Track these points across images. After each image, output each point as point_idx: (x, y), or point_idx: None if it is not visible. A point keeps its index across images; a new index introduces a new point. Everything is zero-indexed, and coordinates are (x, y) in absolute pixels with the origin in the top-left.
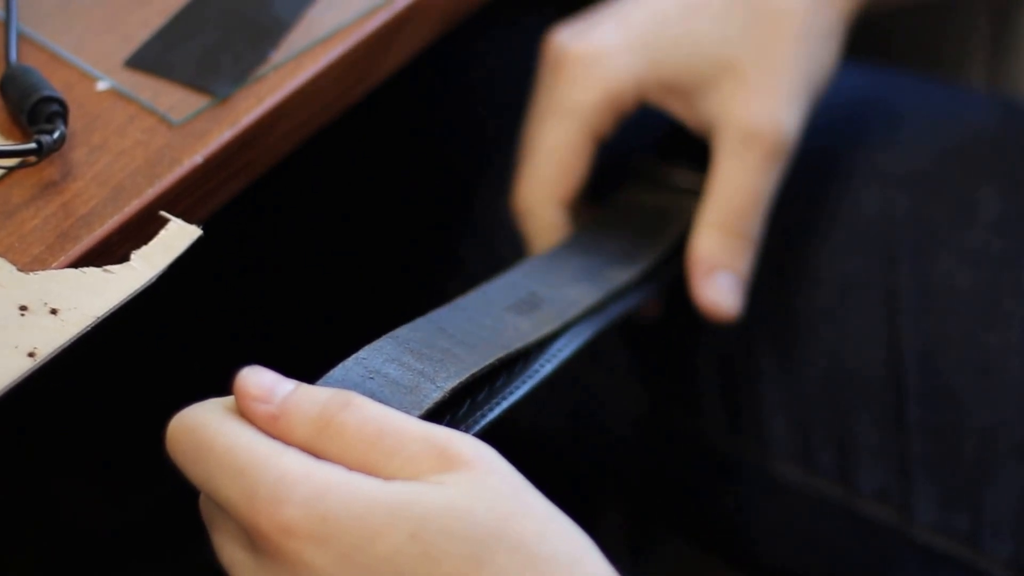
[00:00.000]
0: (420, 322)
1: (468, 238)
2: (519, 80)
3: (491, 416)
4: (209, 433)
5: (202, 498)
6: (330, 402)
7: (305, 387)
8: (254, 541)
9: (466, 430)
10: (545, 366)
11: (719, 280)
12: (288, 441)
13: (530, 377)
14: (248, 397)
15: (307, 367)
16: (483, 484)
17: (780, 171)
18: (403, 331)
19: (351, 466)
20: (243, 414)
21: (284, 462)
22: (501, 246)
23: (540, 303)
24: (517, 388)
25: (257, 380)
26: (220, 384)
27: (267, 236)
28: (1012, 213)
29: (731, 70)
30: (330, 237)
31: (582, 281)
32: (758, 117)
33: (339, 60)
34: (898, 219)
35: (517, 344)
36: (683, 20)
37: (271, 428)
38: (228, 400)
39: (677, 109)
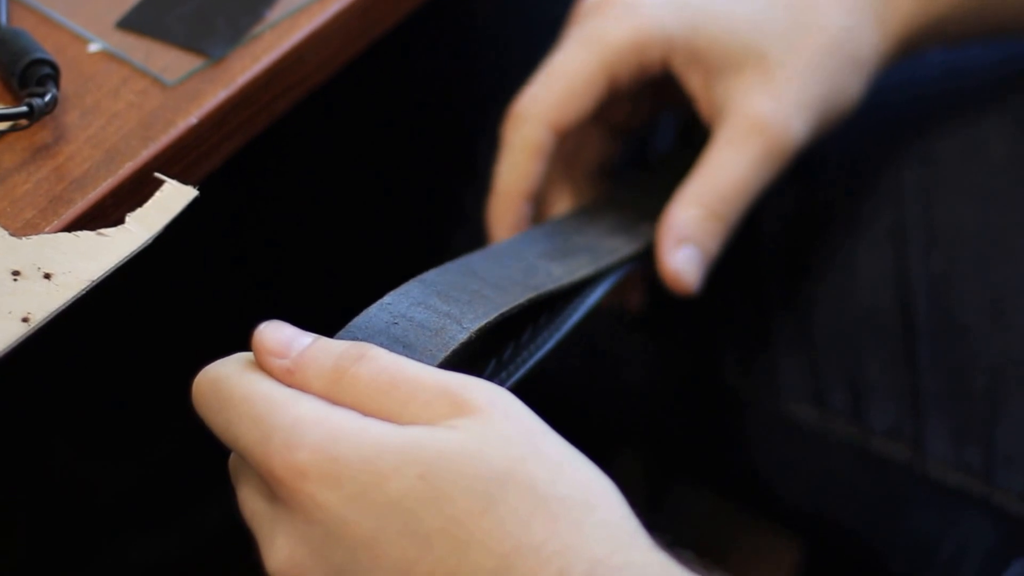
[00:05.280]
0: (450, 265)
1: (471, 195)
2: (519, 35)
3: (528, 365)
4: (230, 384)
5: (232, 458)
6: (344, 355)
7: (321, 341)
8: (271, 487)
9: (503, 381)
10: (576, 312)
11: (686, 251)
12: (307, 392)
13: (563, 323)
14: (264, 352)
15: (314, 322)
16: (495, 428)
17: (773, 171)
18: (431, 274)
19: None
20: (261, 368)
21: (299, 408)
22: None
23: (575, 251)
24: (550, 335)
25: (273, 335)
26: (220, 346)
27: (264, 196)
28: (1019, 153)
29: (759, 62)
30: (328, 196)
31: (619, 234)
32: (771, 113)
33: (335, 18)
34: (904, 158)
35: (549, 286)
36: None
37: (288, 382)
38: (250, 354)
39: (694, 84)
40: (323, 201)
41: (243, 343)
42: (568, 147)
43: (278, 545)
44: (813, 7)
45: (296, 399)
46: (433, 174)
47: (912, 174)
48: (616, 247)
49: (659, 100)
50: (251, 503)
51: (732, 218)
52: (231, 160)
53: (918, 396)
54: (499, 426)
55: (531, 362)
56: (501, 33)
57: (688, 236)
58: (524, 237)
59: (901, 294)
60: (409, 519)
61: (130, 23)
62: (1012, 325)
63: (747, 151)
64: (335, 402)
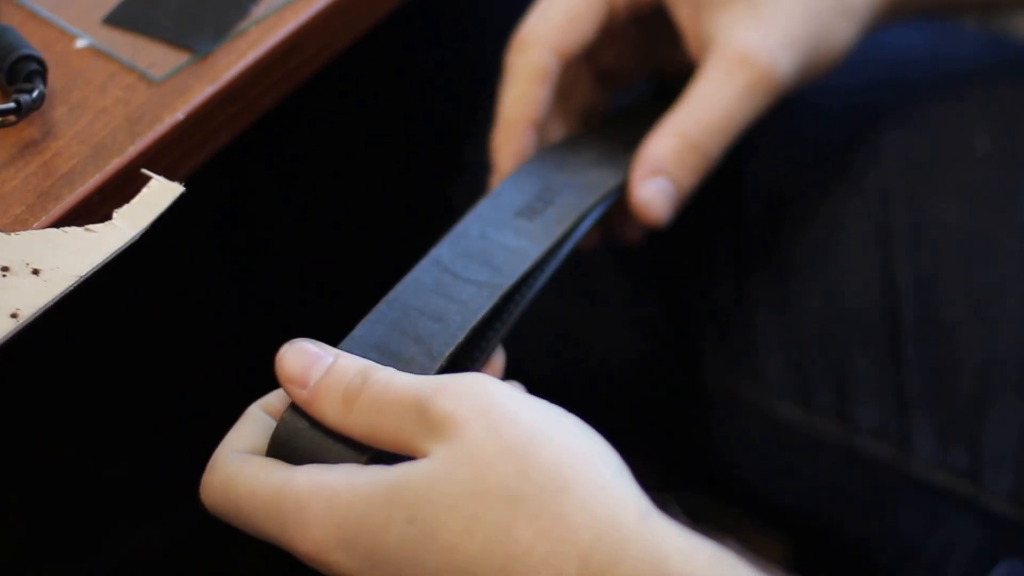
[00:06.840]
0: (425, 263)
1: (458, 190)
2: (506, 30)
3: (522, 306)
4: (235, 484)
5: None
6: (350, 386)
7: (335, 368)
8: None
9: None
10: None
11: (658, 182)
12: (324, 422)
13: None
14: (285, 379)
15: (300, 315)
16: (461, 442)
17: (759, 106)
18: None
19: (373, 442)
20: (287, 393)
21: (296, 486)
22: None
23: (555, 196)
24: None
25: (294, 361)
26: (208, 341)
27: (251, 191)
28: (1004, 150)
29: None
30: (315, 191)
31: (603, 165)
32: (757, 45)
33: (321, 13)
34: (890, 157)
35: (519, 271)
36: None
37: (309, 410)
38: (239, 440)
39: (683, 16)
40: (310, 196)
41: (229, 337)
42: (562, 85)
43: None
44: None
45: (292, 477)
46: (421, 169)
47: (897, 171)
48: (600, 180)
49: (646, 50)
50: None
51: (712, 151)
52: (218, 156)
53: (904, 396)
54: (464, 437)
55: (525, 302)
56: (489, 28)
57: (662, 167)
58: (504, 187)
59: (887, 294)
60: (414, 562)
61: (117, 19)
62: (998, 325)
63: (732, 83)
64: (348, 432)
